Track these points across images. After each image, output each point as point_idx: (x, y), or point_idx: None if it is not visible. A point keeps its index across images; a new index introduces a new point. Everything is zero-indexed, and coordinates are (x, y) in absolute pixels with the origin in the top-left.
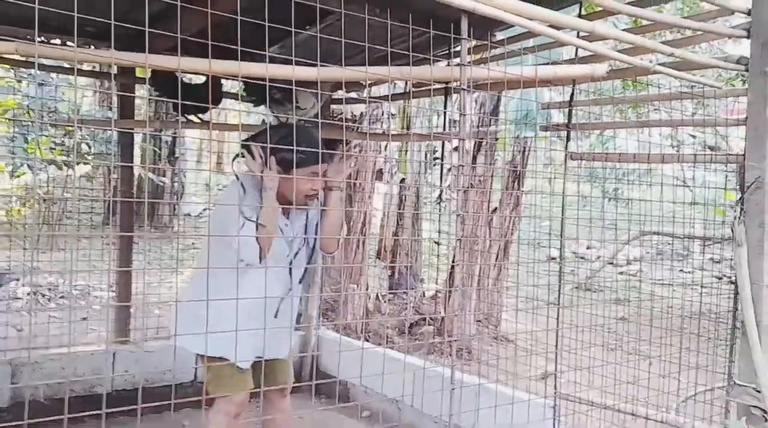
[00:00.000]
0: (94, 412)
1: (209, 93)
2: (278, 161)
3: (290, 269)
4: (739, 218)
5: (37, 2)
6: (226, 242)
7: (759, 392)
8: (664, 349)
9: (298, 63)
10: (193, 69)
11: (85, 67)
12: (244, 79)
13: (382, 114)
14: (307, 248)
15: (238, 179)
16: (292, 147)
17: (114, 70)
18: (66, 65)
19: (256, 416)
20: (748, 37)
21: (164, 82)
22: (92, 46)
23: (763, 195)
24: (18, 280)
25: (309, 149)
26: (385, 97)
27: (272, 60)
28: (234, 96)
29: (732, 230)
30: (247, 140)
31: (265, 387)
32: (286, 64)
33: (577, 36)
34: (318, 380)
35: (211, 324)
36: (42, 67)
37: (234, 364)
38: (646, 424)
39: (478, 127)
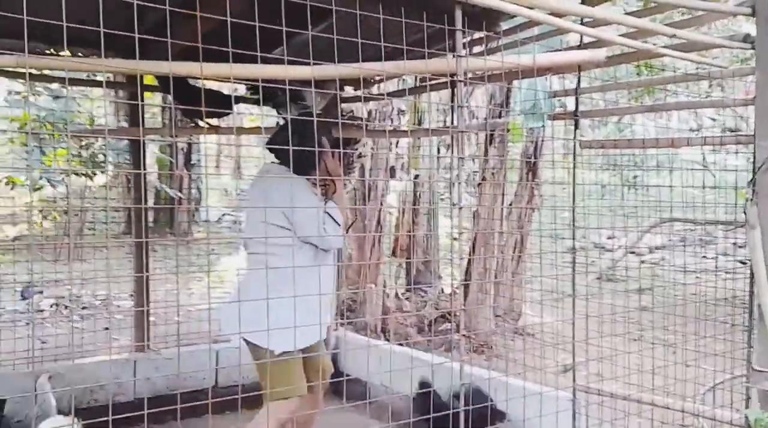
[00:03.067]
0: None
1: (210, 97)
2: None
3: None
4: (752, 199)
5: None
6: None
7: None
8: (685, 337)
9: (301, 63)
10: (185, 73)
11: (98, 77)
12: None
13: (392, 110)
14: None
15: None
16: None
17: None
18: (80, 77)
19: None
20: (753, 14)
21: (175, 88)
22: (95, 56)
23: None
24: (41, 292)
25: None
26: (383, 95)
27: (274, 62)
28: (250, 101)
29: (744, 213)
30: (269, 142)
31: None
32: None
33: (581, 22)
34: (337, 380)
35: (291, 319)
36: (55, 79)
37: (299, 360)
38: (664, 414)
39: (486, 119)
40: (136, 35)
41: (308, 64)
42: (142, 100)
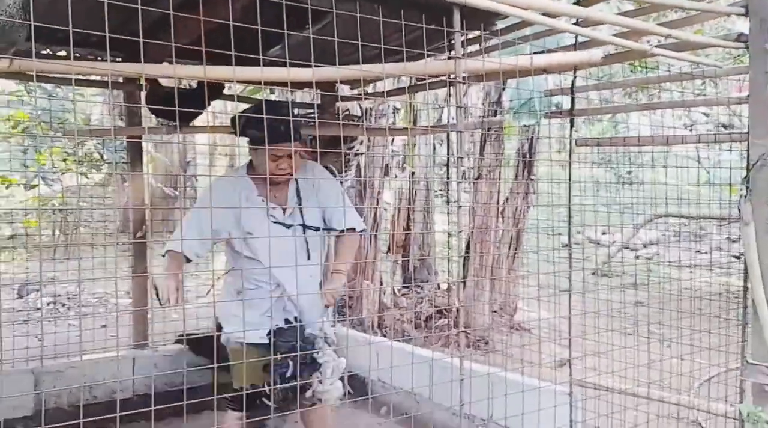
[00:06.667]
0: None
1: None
2: (249, 139)
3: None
4: (746, 196)
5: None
6: None
7: None
8: (679, 332)
9: (296, 65)
10: (189, 76)
11: (93, 77)
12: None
13: (388, 108)
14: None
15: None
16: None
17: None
18: (74, 76)
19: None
20: (746, 14)
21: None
22: (98, 57)
23: None
24: (37, 291)
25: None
26: (381, 94)
27: (271, 63)
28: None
29: (738, 210)
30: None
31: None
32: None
33: (576, 23)
34: None
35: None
36: (50, 79)
37: (246, 345)
38: (660, 407)
39: (483, 117)
40: (141, 39)
41: (300, 65)
42: (139, 100)
